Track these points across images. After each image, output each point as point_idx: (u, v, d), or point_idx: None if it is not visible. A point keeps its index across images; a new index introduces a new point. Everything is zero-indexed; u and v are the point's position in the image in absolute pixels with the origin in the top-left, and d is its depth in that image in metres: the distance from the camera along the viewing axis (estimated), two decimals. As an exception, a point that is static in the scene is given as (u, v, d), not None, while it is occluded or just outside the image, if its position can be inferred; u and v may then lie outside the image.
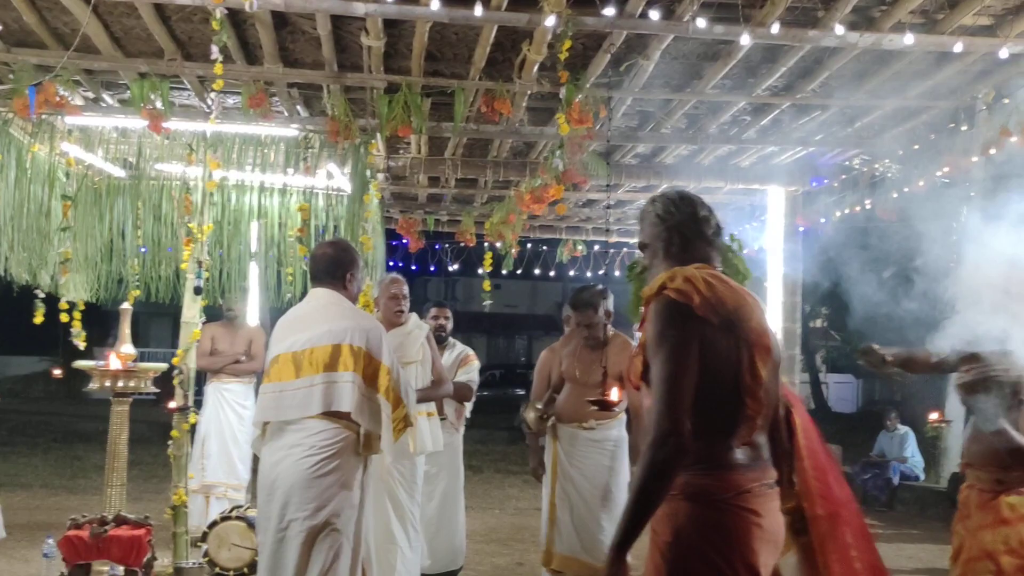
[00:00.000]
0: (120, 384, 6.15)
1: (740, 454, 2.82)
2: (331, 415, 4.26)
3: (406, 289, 6.03)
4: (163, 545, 6.69)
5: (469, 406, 7.00)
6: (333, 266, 4.57)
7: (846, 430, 16.87)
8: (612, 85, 5.91)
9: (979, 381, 3.96)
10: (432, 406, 6.07)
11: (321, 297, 4.53)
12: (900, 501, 11.92)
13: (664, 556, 2.76)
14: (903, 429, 12.71)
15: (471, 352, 7.00)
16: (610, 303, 5.54)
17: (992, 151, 5.67)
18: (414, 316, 6.06)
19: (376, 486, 5.94)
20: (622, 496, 5.34)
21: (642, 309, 2.96)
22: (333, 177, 7.47)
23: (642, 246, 3.05)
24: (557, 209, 6.46)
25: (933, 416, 11.47)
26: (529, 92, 5.94)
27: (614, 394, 4.29)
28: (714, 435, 2.79)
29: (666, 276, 2.82)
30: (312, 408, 4.24)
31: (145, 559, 6.14)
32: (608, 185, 6.54)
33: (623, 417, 5.51)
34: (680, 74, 5.93)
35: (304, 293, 8.17)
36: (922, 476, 12.35)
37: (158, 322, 27.17)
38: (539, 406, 5.74)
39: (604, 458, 5.49)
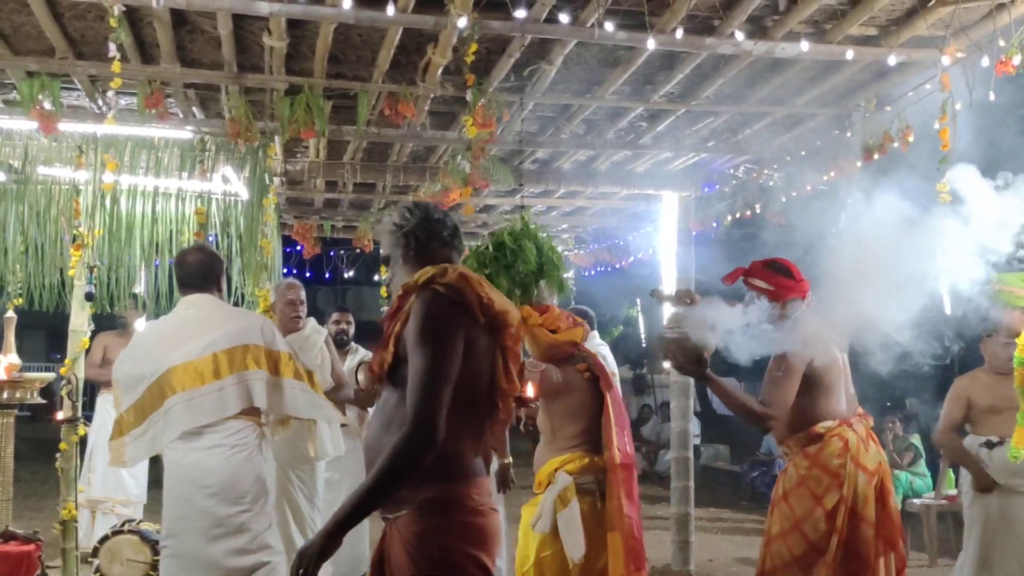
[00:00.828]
0: (5, 395, 5.92)
1: (479, 461, 2.88)
2: (242, 413, 4.31)
3: (303, 294, 6.02)
4: (50, 562, 6.46)
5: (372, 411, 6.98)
6: (209, 271, 4.59)
7: (732, 432, 17.32)
8: (517, 89, 5.99)
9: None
10: None
11: (203, 303, 4.51)
12: (786, 497, 12.30)
13: (439, 566, 2.75)
14: (788, 428, 13.14)
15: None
16: None
17: (876, 156, 5.95)
18: (312, 321, 6.04)
19: (275, 493, 5.87)
20: None
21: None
22: (229, 181, 7.33)
23: (385, 259, 3.15)
24: (464, 211, 6.49)
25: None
26: (432, 96, 5.95)
27: (529, 390, 4.39)
28: (469, 439, 2.84)
29: (435, 270, 2.85)
30: (228, 409, 4.25)
31: (35, 575, 5.92)
32: (520, 184, 6.61)
33: None
34: (580, 80, 6.04)
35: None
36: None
37: (30, 335, 26.06)
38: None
39: None
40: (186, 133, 6.67)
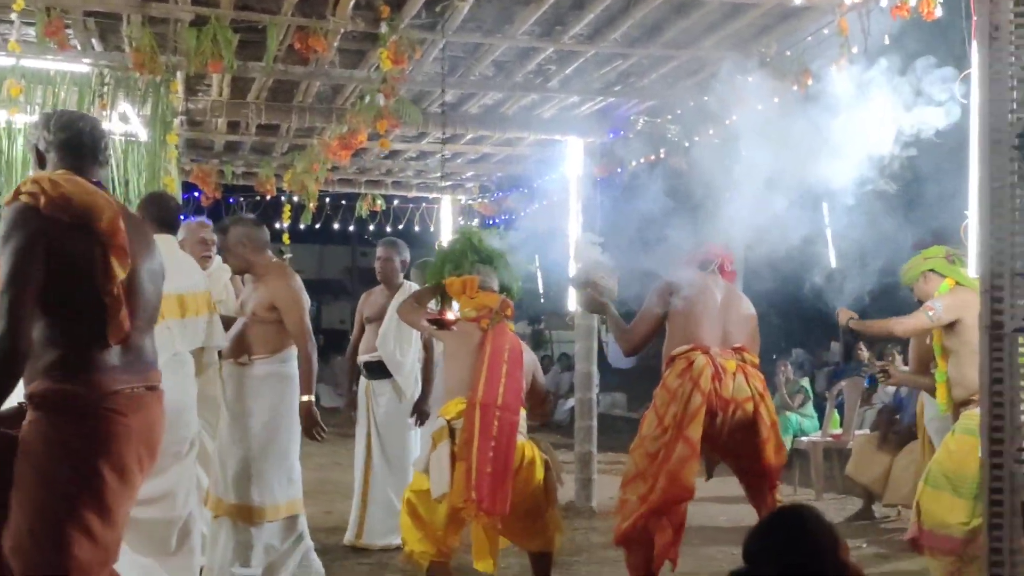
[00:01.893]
0: None
1: (113, 356, 2.97)
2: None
3: (214, 234, 6.02)
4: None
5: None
6: (174, 215, 5.04)
7: (626, 384, 17.79)
8: (428, 27, 5.98)
9: None
10: None
11: (173, 244, 4.80)
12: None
13: (34, 466, 2.85)
14: (683, 375, 13.55)
15: None
16: (251, 234, 5.46)
17: (776, 100, 6.14)
18: (218, 259, 6.04)
19: None
20: (280, 433, 5.31)
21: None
22: (128, 120, 7.14)
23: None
24: (380, 144, 6.48)
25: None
26: (342, 31, 5.90)
27: (450, 314, 4.57)
28: (76, 338, 2.93)
29: (23, 183, 2.98)
30: (196, 343, 4.73)
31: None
32: (443, 125, 6.63)
33: (290, 351, 5.38)
34: (492, 18, 6.07)
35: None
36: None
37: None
38: None
39: (263, 394, 5.32)
40: (84, 66, 6.46)
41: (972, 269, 4.31)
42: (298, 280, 5.41)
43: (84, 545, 2.81)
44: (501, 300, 5.09)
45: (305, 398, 5.24)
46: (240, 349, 5.30)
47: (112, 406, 2.90)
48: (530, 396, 5.05)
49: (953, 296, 4.90)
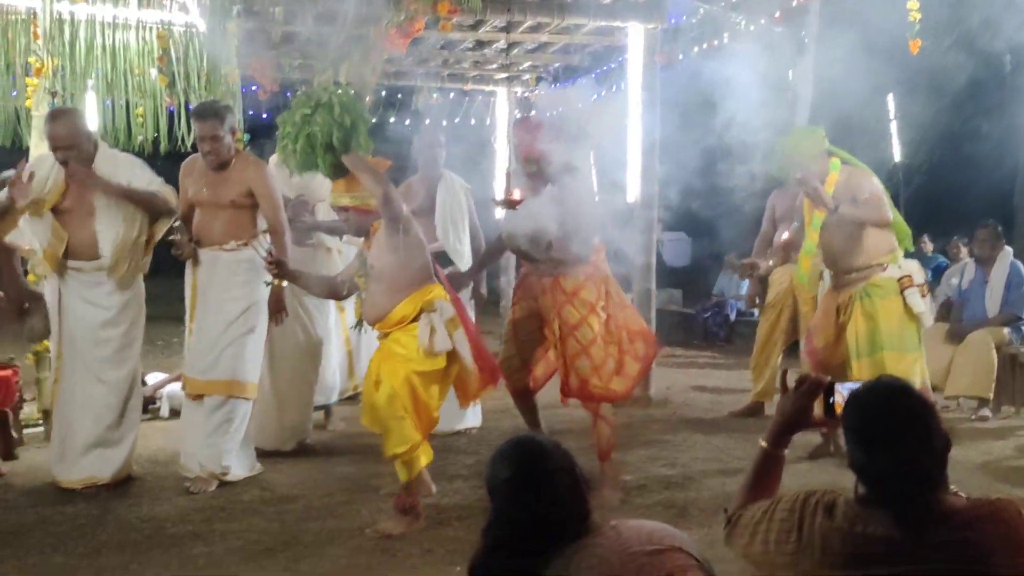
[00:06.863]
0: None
1: None
2: None
3: None
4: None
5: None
6: None
7: (683, 281, 17.81)
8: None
9: None
10: None
11: None
12: (738, 335, 12.74)
13: None
14: (740, 269, 13.48)
15: None
16: (235, 121, 5.56)
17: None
18: None
19: None
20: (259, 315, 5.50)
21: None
22: (188, 10, 7.16)
23: None
24: (441, 27, 6.41)
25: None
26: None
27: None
28: None
29: None
30: None
31: (14, 401, 6.01)
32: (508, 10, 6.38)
33: (263, 239, 5.50)
34: None
35: (157, 135, 7.87)
36: (756, 312, 13.20)
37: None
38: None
39: (241, 278, 5.45)
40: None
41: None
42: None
43: None
44: None
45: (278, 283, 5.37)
46: (222, 237, 5.45)
47: None
48: None
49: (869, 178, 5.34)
